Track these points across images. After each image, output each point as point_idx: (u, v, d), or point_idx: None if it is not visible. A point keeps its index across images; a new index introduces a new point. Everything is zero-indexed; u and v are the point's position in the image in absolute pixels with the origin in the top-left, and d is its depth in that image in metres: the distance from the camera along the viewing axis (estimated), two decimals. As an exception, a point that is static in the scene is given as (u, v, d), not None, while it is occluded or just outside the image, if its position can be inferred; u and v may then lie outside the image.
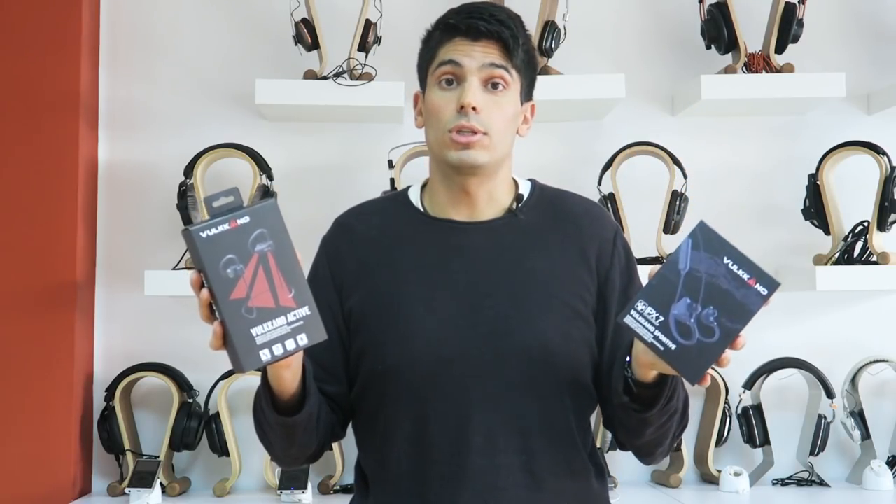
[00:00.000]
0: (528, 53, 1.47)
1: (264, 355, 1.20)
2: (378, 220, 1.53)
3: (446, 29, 1.45)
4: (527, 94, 1.50)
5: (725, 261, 1.21)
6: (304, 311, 1.22)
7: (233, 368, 1.23)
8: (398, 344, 1.42)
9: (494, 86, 1.43)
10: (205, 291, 1.20)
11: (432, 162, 1.51)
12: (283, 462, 1.52)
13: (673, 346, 1.20)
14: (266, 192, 2.55)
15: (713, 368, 1.24)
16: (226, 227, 1.19)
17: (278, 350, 1.20)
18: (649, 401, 1.33)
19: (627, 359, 1.34)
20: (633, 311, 1.22)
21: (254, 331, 1.19)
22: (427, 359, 1.41)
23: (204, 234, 1.18)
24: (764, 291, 1.20)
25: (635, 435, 1.42)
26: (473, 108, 1.40)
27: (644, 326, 1.21)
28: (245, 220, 1.20)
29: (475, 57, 1.42)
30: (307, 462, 1.50)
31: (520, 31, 1.46)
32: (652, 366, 1.28)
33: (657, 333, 1.21)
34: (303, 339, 1.22)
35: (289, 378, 1.33)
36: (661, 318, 1.21)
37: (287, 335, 1.21)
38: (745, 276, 1.20)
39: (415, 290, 1.44)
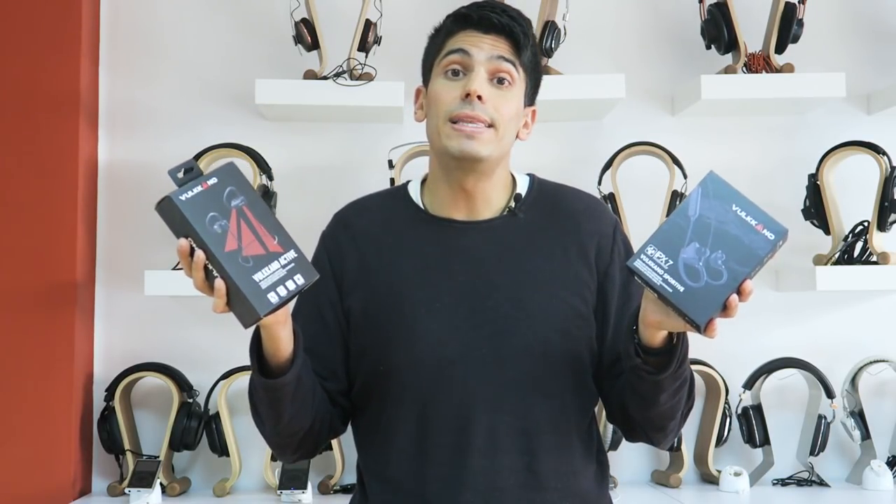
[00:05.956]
0: (535, 56, 1.47)
1: (272, 297, 1.23)
2: (379, 217, 1.52)
3: (457, 19, 1.45)
4: (530, 97, 1.49)
5: (734, 208, 1.24)
6: (292, 254, 1.26)
7: (242, 323, 1.24)
8: (401, 345, 1.42)
9: (500, 81, 1.42)
10: (198, 252, 1.22)
11: (432, 157, 1.49)
12: (278, 446, 1.47)
13: (681, 288, 1.21)
14: (266, 193, 2.55)
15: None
16: (199, 188, 1.23)
17: (282, 291, 1.24)
18: (660, 366, 1.31)
19: (634, 327, 1.32)
20: (642, 256, 1.23)
21: (255, 277, 1.22)
22: (430, 360, 1.41)
23: (183, 198, 1.21)
24: (771, 236, 1.23)
25: (650, 403, 1.37)
26: (479, 97, 1.38)
27: (653, 270, 1.22)
28: (213, 180, 1.24)
29: (484, 48, 1.41)
30: (302, 449, 1.47)
31: (529, 32, 1.46)
32: (659, 324, 1.27)
33: (666, 276, 1.22)
34: (300, 279, 1.26)
35: (285, 337, 1.32)
36: (671, 262, 1.22)
37: (285, 277, 1.25)
38: (753, 222, 1.24)
39: (417, 290, 1.44)
